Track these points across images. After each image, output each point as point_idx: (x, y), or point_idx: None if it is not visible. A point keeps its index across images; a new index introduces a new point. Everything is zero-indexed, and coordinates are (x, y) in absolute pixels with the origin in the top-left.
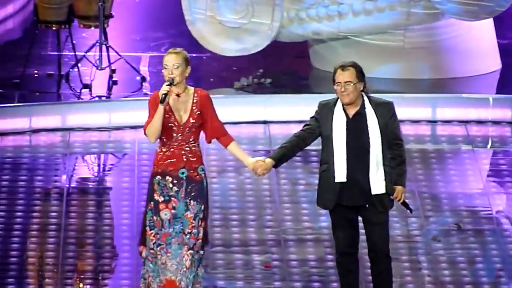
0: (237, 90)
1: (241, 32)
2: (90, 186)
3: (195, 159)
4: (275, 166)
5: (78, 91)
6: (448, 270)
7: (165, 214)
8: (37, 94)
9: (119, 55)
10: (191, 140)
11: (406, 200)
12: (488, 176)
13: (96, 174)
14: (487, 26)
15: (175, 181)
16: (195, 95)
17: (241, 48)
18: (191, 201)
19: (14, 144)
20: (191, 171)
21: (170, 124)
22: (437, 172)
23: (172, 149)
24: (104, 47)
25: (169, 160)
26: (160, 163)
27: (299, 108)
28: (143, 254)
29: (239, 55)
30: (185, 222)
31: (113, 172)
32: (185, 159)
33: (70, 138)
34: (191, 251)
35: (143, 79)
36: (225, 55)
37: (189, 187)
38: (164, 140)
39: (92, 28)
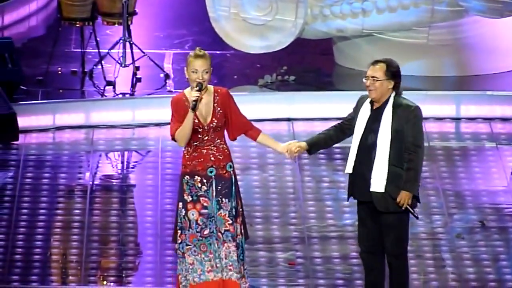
0: (261, 88)
1: (265, 29)
2: (114, 183)
3: (222, 157)
4: (309, 150)
5: (102, 88)
6: (472, 268)
7: (193, 214)
8: (61, 91)
9: (143, 52)
10: (216, 139)
11: (431, 199)
12: None
13: (119, 171)
14: (511, 24)
15: (204, 180)
16: (216, 94)
17: (265, 45)
18: (223, 199)
19: (37, 141)
20: (220, 169)
21: (195, 127)
22: (461, 170)
23: (199, 150)
24: (127, 44)
25: (196, 160)
26: (188, 164)
27: (322, 105)
28: (178, 252)
29: (263, 52)
30: (219, 221)
31: (136, 169)
32: (212, 158)
33: (93, 135)
34: (234, 248)
35: (167, 76)
36: (249, 52)
37: (219, 185)
38: (191, 142)
39: (116, 25)
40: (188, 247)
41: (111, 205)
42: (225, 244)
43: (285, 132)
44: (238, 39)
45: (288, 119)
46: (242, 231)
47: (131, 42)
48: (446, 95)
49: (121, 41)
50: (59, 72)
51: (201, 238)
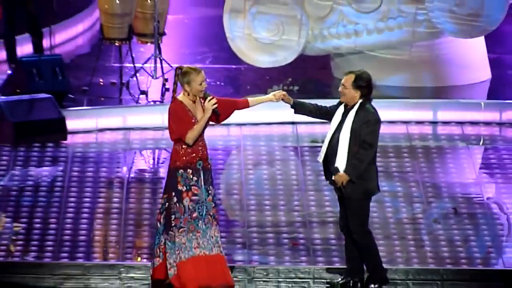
0: None
1: (273, 48)
2: (146, 176)
3: (206, 151)
4: (293, 106)
5: (137, 96)
6: (447, 248)
7: (186, 201)
8: (102, 99)
9: (171, 66)
10: (203, 136)
11: (412, 189)
12: (480, 168)
13: (151, 166)
14: (479, 43)
15: (194, 172)
16: (201, 98)
17: (273, 61)
18: (209, 187)
19: (83, 141)
20: (204, 161)
21: (194, 125)
22: (438, 165)
23: (192, 146)
24: (158, 60)
25: (190, 156)
26: (182, 159)
27: None
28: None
29: (271, 66)
30: (208, 206)
31: (165, 164)
32: (200, 153)
33: (130, 136)
34: (217, 228)
35: None
36: (259, 67)
37: (206, 175)
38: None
39: (148, 43)
40: (182, 229)
41: (144, 195)
42: (213, 225)
43: (290, 134)
44: (250, 55)
45: (292, 123)
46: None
47: (161, 58)
48: (425, 102)
49: (153, 57)
50: (101, 83)
51: (190, 220)
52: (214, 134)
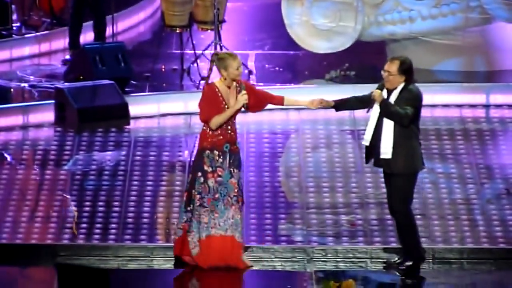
0: (327, 81)
1: (330, 34)
2: None
3: (234, 135)
4: (336, 107)
5: (197, 82)
6: (500, 227)
7: (211, 182)
8: (164, 85)
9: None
10: (233, 120)
11: (466, 171)
12: None
13: None
14: None
15: (220, 154)
16: (237, 85)
17: (330, 47)
18: (234, 169)
19: (145, 126)
20: (232, 145)
21: (223, 111)
22: (491, 147)
23: (221, 130)
24: (218, 46)
25: (217, 138)
26: (209, 140)
27: None
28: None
29: (329, 52)
30: (229, 187)
31: None
32: (228, 136)
33: (191, 121)
34: (238, 211)
35: (250, 72)
36: (317, 52)
37: (232, 158)
38: None
39: (209, 30)
40: (205, 209)
41: None
42: (232, 206)
43: (347, 117)
44: (308, 41)
45: None
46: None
47: (221, 45)
48: (478, 86)
49: (213, 43)
50: (163, 70)
51: (212, 200)
52: (273, 118)
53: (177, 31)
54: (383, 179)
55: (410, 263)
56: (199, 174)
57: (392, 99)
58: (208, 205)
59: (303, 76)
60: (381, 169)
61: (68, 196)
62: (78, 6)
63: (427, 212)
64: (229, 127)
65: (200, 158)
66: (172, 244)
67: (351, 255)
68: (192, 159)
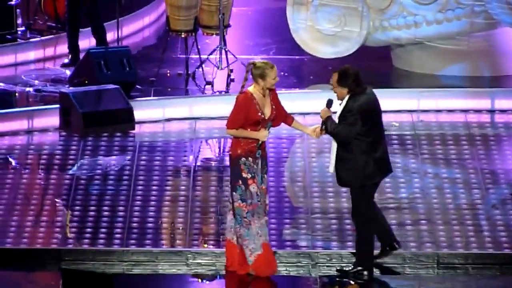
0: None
1: (335, 39)
2: (213, 165)
3: (263, 143)
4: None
5: (203, 87)
6: (505, 232)
7: (253, 188)
8: (169, 89)
9: (236, 57)
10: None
11: (471, 176)
12: None
13: (217, 155)
14: None
15: (254, 160)
16: (270, 93)
17: (335, 52)
18: (265, 175)
19: (150, 130)
20: (263, 151)
21: (258, 119)
22: (495, 152)
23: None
24: (223, 51)
25: (251, 145)
26: (244, 148)
27: (383, 100)
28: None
29: (334, 57)
30: (262, 194)
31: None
32: (260, 142)
33: (196, 125)
34: (267, 218)
35: None
36: (322, 57)
37: (263, 163)
38: (250, 130)
39: (214, 35)
40: (258, 214)
41: (210, 182)
42: (266, 213)
43: None
44: (313, 46)
45: None
46: None
47: (226, 49)
48: (483, 91)
49: (218, 48)
50: (168, 74)
51: (259, 205)
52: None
53: (182, 36)
54: (387, 184)
55: (361, 270)
56: (240, 182)
57: (338, 112)
58: (255, 210)
59: (308, 81)
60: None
61: (58, 201)
62: (72, 11)
63: (432, 217)
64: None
65: (237, 166)
66: (177, 249)
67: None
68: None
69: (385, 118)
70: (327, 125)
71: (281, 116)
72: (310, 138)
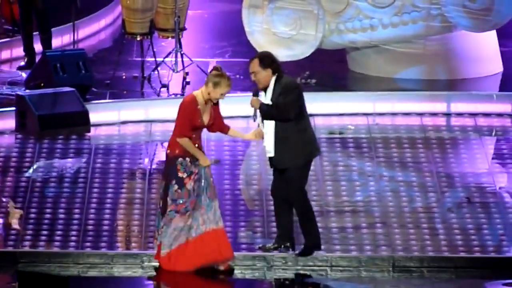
0: None
1: (291, 42)
2: None
3: (200, 145)
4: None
5: (158, 90)
6: (460, 236)
7: (190, 185)
8: (125, 92)
9: (191, 60)
10: (200, 136)
11: (426, 179)
12: (492, 158)
13: None
14: (491, 37)
15: (192, 160)
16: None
17: (291, 55)
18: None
19: (106, 133)
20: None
21: (200, 126)
22: (451, 156)
23: (193, 141)
24: (179, 54)
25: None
26: (182, 148)
27: (338, 103)
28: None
29: (290, 60)
30: (207, 179)
31: None
32: (197, 145)
33: (151, 128)
34: (218, 204)
35: None
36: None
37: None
38: (191, 135)
39: (169, 38)
40: (189, 212)
41: None
42: (214, 200)
43: None
44: (269, 49)
45: (310, 115)
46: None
47: (182, 52)
48: (439, 94)
49: (174, 51)
50: (123, 77)
51: (196, 201)
52: (234, 126)
53: (138, 39)
54: (343, 187)
55: (311, 250)
56: (173, 181)
57: (268, 97)
58: (191, 208)
59: None
60: (342, 177)
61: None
62: (24, 13)
63: (388, 220)
64: (197, 141)
65: (173, 166)
66: (132, 251)
67: (311, 263)
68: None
69: (341, 121)
70: (263, 110)
71: (219, 125)
72: None
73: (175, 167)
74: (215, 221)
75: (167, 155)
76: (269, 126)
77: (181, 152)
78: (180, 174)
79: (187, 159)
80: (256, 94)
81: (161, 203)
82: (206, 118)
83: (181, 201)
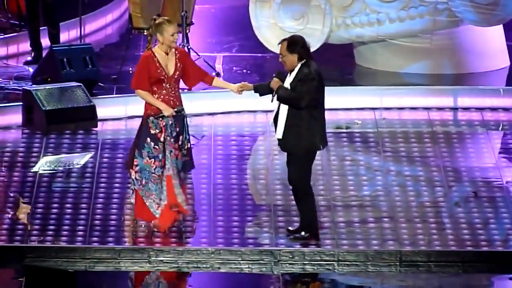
0: None
1: None
2: None
3: (177, 101)
4: (256, 91)
5: None
6: (467, 230)
7: (162, 138)
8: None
9: (198, 55)
10: (175, 88)
11: (433, 174)
12: (499, 153)
13: None
14: (497, 31)
15: (163, 119)
16: (176, 52)
17: None
18: (181, 135)
19: (112, 128)
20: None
21: (160, 77)
22: (458, 150)
23: (162, 96)
24: (186, 49)
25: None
26: (152, 107)
27: (345, 97)
28: (133, 176)
29: None
30: (170, 149)
31: (193, 151)
32: (171, 103)
33: None
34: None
35: (218, 74)
36: None
37: (176, 123)
38: (156, 90)
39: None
40: (163, 169)
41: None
42: (175, 151)
43: None
44: (276, 44)
45: None
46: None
47: (189, 47)
48: (446, 89)
49: (181, 46)
50: (130, 72)
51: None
52: (241, 121)
53: (145, 33)
54: (350, 182)
55: (305, 234)
56: (148, 140)
57: (289, 80)
58: (164, 166)
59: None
60: (349, 172)
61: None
62: (31, 8)
63: (395, 214)
64: (172, 95)
65: (146, 124)
66: (139, 246)
67: (318, 258)
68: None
69: (348, 115)
70: (279, 93)
71: (197, 76)
72: (272, 136)
73: (147, 125)
74: (168, 168)
75: (142, 117)
76: (283, 109)
77: (152, 112)
78: (152, 131)
79: (159, 118)
80: (278, 76)
81: (128, 158)
82: (171, 69)
83: (160, 156)
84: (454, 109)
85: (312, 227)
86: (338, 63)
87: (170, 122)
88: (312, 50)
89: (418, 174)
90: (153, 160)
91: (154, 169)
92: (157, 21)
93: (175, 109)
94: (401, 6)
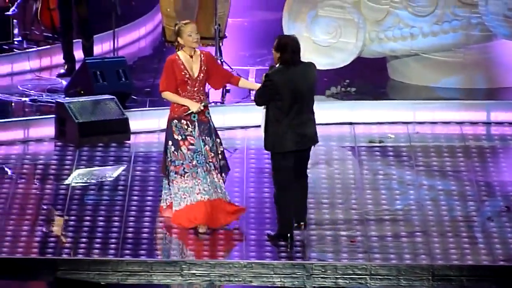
0: (328, 97)
1: (331, 50)
2: None
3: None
4: None
5: None
6: (500, 245)
7: (184, 149)
8: (164, 100)
9: (231, 68)
10: (200, 91)
11: (466, 188)
12: None
13: None
14: None
15: (189, 123)
16: (202, 55)
17: (331, 63)
18: (206, 138)
19: (145, 140)
20: (200, 115)
21: (185, 79)
22: (491, 165)
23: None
24: (219, 62)
25: (184, 107)
26: (176, 110)
27: (379, 111)
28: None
29: (330, 68)
30: (206, 155)
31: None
32: (195, 101)
33: None
34: (218, 176)
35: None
36: (318, 69)
37: (201, 127)
38: (180, 92)
39: (210, 46)
40: (187, 174)
41: None
42: (211, 172)
43: (347, 134)
44: (309, 57)
45: (350, 123)
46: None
47: (222, 60)
48: (479, 103)
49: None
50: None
51: (191, 167)
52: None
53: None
54: (383, 196)
55: (271, 233)
56: (170, 143)
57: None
58: (188, 171)
59: None
60: (381, 186)
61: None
62: (65, 21)
63: (427, 229)
64: (196, 97)
65: (169, 128)
66: (171, 259)
67: (350, 272)
68: None
69: (381, 129)
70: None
71: (223, 77)
72: None
73: (171, 129)
74: (210, 193)
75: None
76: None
77: (176, 115)
78: (175, 136)
79: (183, 121)
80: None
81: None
82: (195, 71)
83: (177, 163)
84: (487, 123)
85: (282, 227)
86: (371, 77)
87: (193, 128)
88: (345, 64)
89: (450, 188)
90: (172, 164)
91: (170, 172)
92: (176, 27)
93: (202, 104)
94: (435, 20)
